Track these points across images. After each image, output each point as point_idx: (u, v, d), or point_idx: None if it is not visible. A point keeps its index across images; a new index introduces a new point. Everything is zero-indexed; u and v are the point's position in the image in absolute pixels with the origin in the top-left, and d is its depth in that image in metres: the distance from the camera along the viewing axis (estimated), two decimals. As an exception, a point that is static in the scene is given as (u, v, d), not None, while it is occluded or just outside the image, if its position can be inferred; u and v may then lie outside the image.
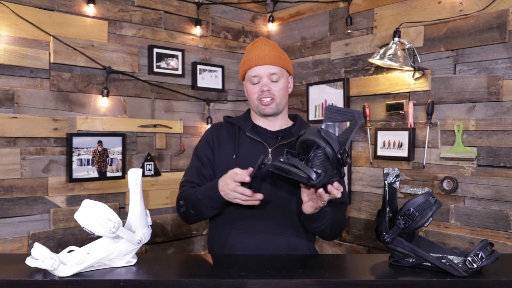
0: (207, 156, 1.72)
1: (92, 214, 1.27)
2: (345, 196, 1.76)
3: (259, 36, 3.26)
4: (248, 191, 1.45)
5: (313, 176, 1.31)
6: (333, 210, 1.63)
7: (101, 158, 2.50)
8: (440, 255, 1.31)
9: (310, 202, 1.48)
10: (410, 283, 1.26)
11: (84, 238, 2.43)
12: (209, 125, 2.92)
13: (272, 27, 3.25)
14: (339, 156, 1.33)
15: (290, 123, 1.80)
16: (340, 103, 2.78)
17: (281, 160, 1.37)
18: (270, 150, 1.67)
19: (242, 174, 1.44)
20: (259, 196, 1.47)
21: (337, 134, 1.39)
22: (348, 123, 1.40)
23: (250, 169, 1.44)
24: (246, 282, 1.21)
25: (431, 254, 1.31)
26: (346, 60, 2.81)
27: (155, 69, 2.73)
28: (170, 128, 2.79)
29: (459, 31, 2.28)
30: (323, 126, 1.37)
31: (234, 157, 1.66)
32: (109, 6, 2.56)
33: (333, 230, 1.66)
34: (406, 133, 2.45)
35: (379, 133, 2.59)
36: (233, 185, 1.45)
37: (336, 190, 1.37)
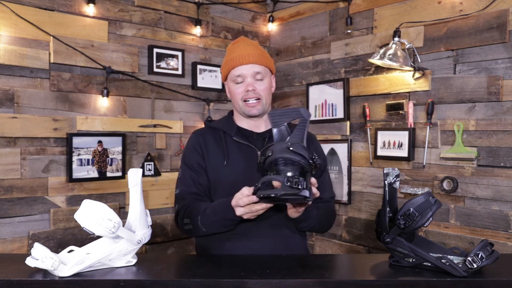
0: (198, 163, 1.65)
1: (92, 214, 1.27)
2: (331, 192, 1.77)
3: (259, 36, 3.26)
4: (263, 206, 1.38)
5: (307, 194, 1.27)
6: (319, 208, 1.63)
7: (101, 158, 2.50)
8: (440, 255, 1.31)
9: (292, 208, 1.47)
10: (410, 283, 1.25)
11: (84, 238, 2.43)
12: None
13: (272, 27, 3.24)
14: (311, 162, 1.32)
15: None
16: (340, 103, 2.79)
17: (269, 192, 1.30)
18: (259, 153, 1.63)
19: (249, 198, 1.37)
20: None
21: (289, 140, 1.36)
22: (296, 121, 1.39)
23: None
24: (246, 282, 1.21)
25: (431, 254, 1.31)
26: (346, 60, 2.81)
27: (155, 69, 2.73)
28: (170, 128, 2.79)
29: (459, 31, 2.28)
30: (288, 142, 1.34)
31: (225, 163, 1.62)
32: (109, 6, 2.56)
33: (322, 225, 1.68)
34: (406, 133, 2.45)
35: (379, 133, 2.59)
36: (236, 200, 1.39)
37: (315, 188, 1.37)
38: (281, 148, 1.33)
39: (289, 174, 1.30)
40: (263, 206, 1.38)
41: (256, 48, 1.69)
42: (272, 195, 1.28)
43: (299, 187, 1.26)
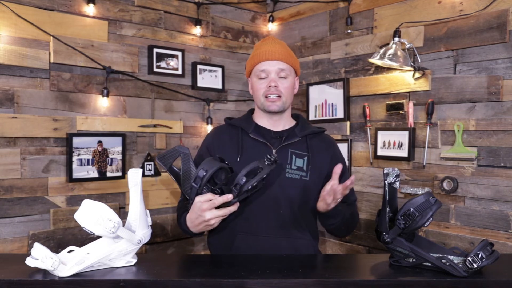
0: None
1: (92, 214, 1.27)
2: (353, 194, 1.82)
3: (259, 36, 3.26)
4: (231, 208, 1.44)
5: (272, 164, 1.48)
6: (347, 209, 1.66)
7: (101, 158, 2.50)
8: (440, 255, 1.31)
9: (323, 201, 1.52)
10: (410, 283, 1.26)
11: (84, 238, 2.43)
12: (209, 126, 2.93)
13: (272, 27, 3.24)
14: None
15: (293, 122, 1.78)
16: (340, 103, 2.78)
17: (258, 177, 1.43)
18: (274, 151, 1.66)
19: (223, 198, 1.41)
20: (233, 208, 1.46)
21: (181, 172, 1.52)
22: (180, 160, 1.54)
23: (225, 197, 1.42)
24: (246, 282, 1.21)
25: (431, 254, 1.32)
26: (346, 60, 2.81)
27: (155, 69, 2.73)
28: (170, 128, 2.79)
29: (459, 31, 2.28)
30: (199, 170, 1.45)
31: (238, 160, 1.64)
32: (109, 6, 2.56)
33: (347, 227, 1.71)
34: (406, 133, 2.45)
35: (379, 133, 2.59)
36: (208, 204, 1.42)
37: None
38: (210, 162, 1.46)
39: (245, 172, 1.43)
40: (234, 207, 1.44)
41: (283, 46, 1.70)
42: (265, 175, 1.41)
43: (272, 158, 1.46)
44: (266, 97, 1.65)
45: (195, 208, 1.44)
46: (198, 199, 1.43)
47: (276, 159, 1.46)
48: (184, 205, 1.64)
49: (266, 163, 1.44)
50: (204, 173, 1.41)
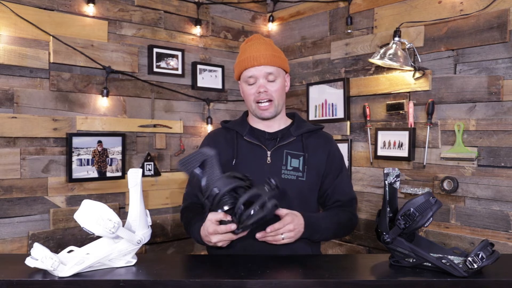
0: None
1: (92, 214, 1.27)
2: (351, 193, 1.74)
3: (259, 36, 3.25)
4: (234, 237, 1.41)
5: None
6: (336, 215, 1.62)
7: (101, 158, 2.50)
8: (441, 255, 1.31)
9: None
10: (410, 283, 1.25)
11: (84, 238, 2.43)
12: (209, 126, 2.93)
13: (272, 27, 3.24)
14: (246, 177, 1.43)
15: (288, 121, 1.77)
16: (340, 103, 2.78)
17: (259, 216, 1.35)
18: (269, 153, 1.65)
19: (226, 227, 1.38)
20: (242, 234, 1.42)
21: (204, 182, 1.40)
22: (205, 163, 1.42)
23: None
24: (246, 282, 1.21)
25: (431, 254, 1.31)
26: (346, 60, 2.80)
27: (155, 69, 2.73)
28: (170, 128, 2.79)
29: (459, 31, 2.28)
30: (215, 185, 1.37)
31: (233, 163, 1.63)
32: (109, 6, 2.56)
33: (338, 233, 1.64)
34: (406, 133, 2.45)
35: (379, 133, 2.59)
36: (213, 228, 1.40)
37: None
38: (226, 180, 1.37)
39: (245, 196, 1.34)
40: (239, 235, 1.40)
41: (268, 48, 1.67)
42: (261, 215, 1.33)
43: (274, 184, 1.38)
44: (258, 103, 1.65)
45: (205, 226, 1.45)
46: (210, 217, 1.42)
47: (278, 185, 1.40)
48: (195, 213, 1.63)
49: (266, 189, 1.37)
50: (217, 192, 1.36)
